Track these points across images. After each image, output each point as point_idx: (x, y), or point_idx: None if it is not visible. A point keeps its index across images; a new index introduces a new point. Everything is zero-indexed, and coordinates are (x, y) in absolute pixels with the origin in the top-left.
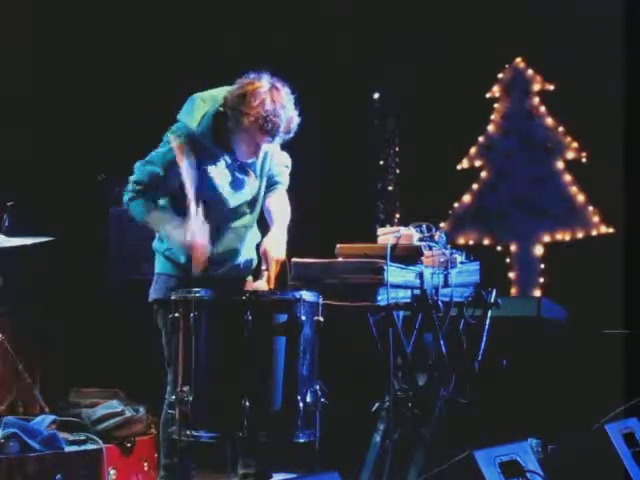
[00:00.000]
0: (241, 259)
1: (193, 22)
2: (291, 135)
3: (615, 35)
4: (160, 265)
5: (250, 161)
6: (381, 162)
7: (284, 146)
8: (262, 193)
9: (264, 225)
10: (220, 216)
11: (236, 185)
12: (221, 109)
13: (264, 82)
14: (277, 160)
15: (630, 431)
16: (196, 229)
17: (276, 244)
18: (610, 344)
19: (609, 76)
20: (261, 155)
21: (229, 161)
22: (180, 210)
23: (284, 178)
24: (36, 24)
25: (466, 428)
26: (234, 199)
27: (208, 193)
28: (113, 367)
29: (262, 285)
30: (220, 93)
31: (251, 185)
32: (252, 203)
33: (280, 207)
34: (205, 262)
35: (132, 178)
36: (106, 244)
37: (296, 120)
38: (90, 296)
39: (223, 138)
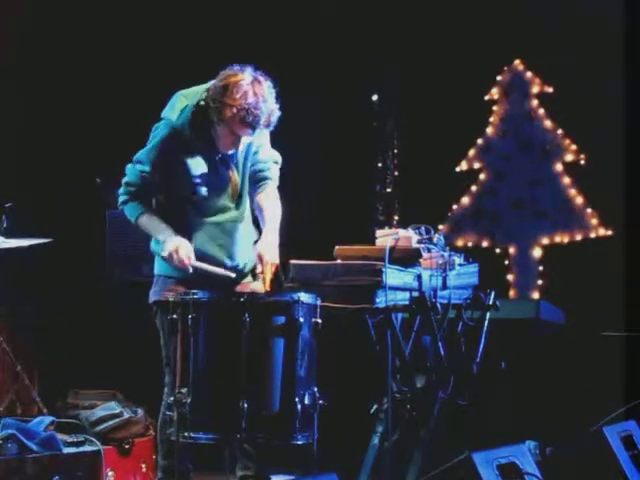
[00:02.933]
0: (240, 260)
1: (189, 22)
2: (271, 128)
3: (615, 37)
4: (159, 266)
5: (230, 153)
6: (380, 164)
7: (283, 146)
8: (246, 188)
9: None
10: (201, 210)
11: (215, 178)
12: (202, 102)
13: (246, 75)
14: (265, 155)
15: (629, 434)
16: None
17: (269, 247)
18: (609, 346)
19: (608, 78)
20: (243, 148)
21: (209, 154)
22: (166, 209)
23: (274, 174)
24: (36, 25)
25: (464, 430)
26: (213, 192)
27: (187, 186)
28: (112, 369)
29: (259, 287)
30: (202, 88)
31: (232, 179)
32: (235, 197)
33: (270, 206)
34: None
35: (124, 180)
36: (105, 246)
37: (277, 114)
38: (89, 298)
39: (203, 130)
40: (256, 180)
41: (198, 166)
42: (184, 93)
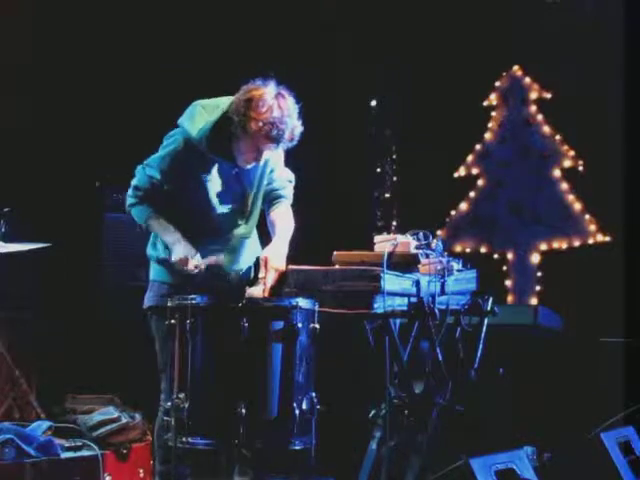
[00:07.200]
0: (241, 266)
1: (192, 28)
2: (294, 143)
3: (614, 43)
4: (154, 272)
5: (248, 168)
6: (378, 170)
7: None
8: (258, 205)
9: (267, 239)
10: (211, 224)
11: (228, 194)
12: (223, 116)
13: (270, 88)
14: (279, 174)
15: (626, 440)
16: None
17: (277, 254)
18: (607, 352)
19: (607, 84)
20: (260, 166)
21: (225, 170)
22: (174, 218)
23: (287, 192)
24: (38, 27)
25: (462, 436)
26: (225, 208)
27: (199, 200)
28: (109, 373)
29: (257, 292)
30: (222, 101)
31: (244, 196)
32: (245, 214)
33: (284, 222)
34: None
35: (133, 182)
36: (102, 250)
37: (299, 129)
38: (86, 302)
39: (222, 146)
40: (271, 198)
41: (213, 182)
42: (203, 104)
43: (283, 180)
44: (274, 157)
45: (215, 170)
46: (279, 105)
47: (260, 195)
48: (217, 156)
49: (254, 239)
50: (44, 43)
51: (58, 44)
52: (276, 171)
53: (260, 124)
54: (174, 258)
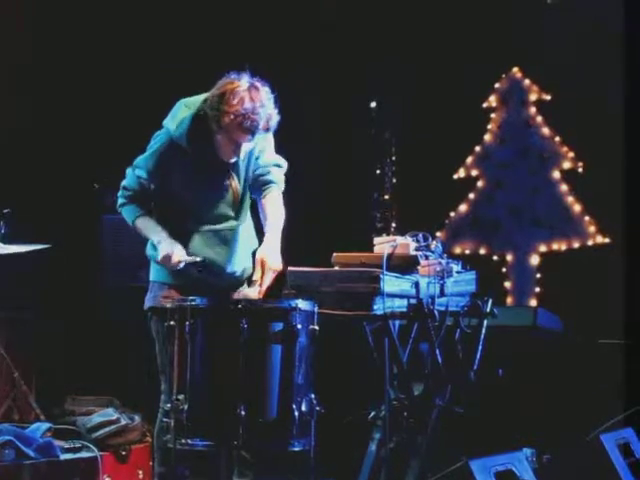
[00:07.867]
0: (237, 267)
1: (191, 29)
2: (271, 132)
3: (614, 45)
4: (154, 273)
5: (232, 161)
6: (377, 171)
7: (281, 153)
8: (247, 196)
9: (259, 228)
10: (199, 218)
11: (215, 187)
12: (201, 112)
13: (243, 81)
14: (266, 159)
15: (626, 441)
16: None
17: (272, 253)
18: (606, 353)
19: (607, 86)
20: (244, 156)
21: (208, 163)
22: (164, 216)
23: (277, 177)
24: (35, 30)
25: (462, 437)
26: (212, 201)
27: (188, 197)
28: (109, 375)
29: (252, 293)
30: (203, 98)
31: (232, 187)
32: (235, 206)
33: (274, 211)
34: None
35: (122, 183)
36: (101, 251)
37: (275, 118)
38: (86, 303)
39: (203, 140)
40: (259, 184)
41: (199, 177)
42: (186, 102)
43: (269, 165)
44: (260, 144)
45: (200, 165)
46: (251, 97)
47: (248, 185)
48: (197, 151)
49: (248, 230)
50: (44, 43)
51: (58, 44)
52: (262, 157)
53: (232, 117)
54: (159, 257)
